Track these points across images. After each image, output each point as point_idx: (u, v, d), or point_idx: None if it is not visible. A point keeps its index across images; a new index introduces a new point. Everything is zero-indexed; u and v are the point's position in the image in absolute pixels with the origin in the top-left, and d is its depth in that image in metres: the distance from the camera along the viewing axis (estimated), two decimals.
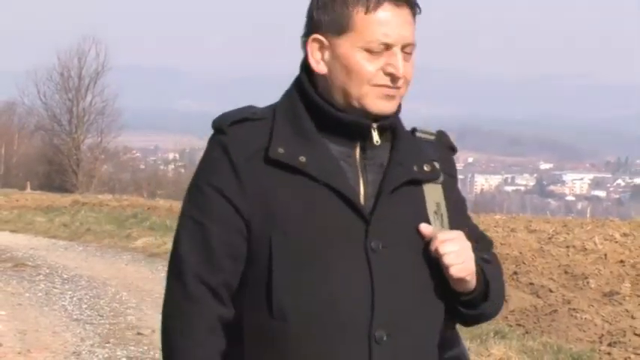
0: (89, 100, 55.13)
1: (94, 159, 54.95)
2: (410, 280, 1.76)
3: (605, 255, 12.74)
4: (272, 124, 1.77)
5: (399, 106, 1.81)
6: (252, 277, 1.76)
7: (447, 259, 1.71)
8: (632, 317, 9.59)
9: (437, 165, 1.84)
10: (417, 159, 1.81)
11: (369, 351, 1.70)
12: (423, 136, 1.88)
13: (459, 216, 1.89)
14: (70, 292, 12.29)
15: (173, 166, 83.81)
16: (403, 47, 1.75)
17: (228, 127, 1.76)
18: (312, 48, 1.78)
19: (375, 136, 1.77)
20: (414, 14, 1.76)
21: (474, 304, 1.82)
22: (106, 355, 8.50)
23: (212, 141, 1.81)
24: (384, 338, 1.71)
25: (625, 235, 14.93)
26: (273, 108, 1.83)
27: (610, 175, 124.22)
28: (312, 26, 1.79)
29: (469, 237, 1.80)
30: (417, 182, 1.81)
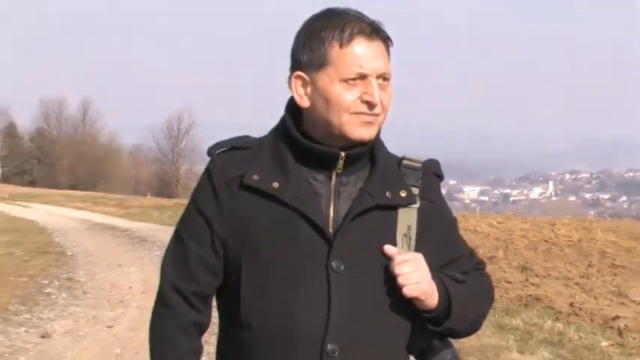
0: (184, 143, 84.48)
1: (188, 178, 76.65)
2: (368, 299, 1.81)
3: (488, 234, 19.52)
4: (255, 154, 1.86)
5: (378, 133, 1.85)
6: (226, 290, 1.88)
7: (400, 280, 1.77)
8: (504, 271, 13.89)
9: (414, 191, 1.88)
10: (392, 185, 1.86)
11: None
12: (409, 163, 1.93)
13: (445, 234, 1.95)
14: None
15: None
16: (378, 77, 1.80)
17: (216, 155, 1.88)
18: (296, 84, 1.84)
19: (340, 165, 1.82)
20: (387, 46, 1.82)
21: (438, 321, 1.86)
22: None
23: (207, 166, 1.93)
24: (336, 353, 1.78)
25: (499, 222, 23.62)
26: (262, 139, 1.92)
27: (489, 188, 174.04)
28: (295, 65, 1.85)
29: (445, 256, 1.92)
30: (392, 207, 1.85)
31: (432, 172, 1.95)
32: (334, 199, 1.85)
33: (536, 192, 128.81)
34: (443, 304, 1.85)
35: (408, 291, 1.78)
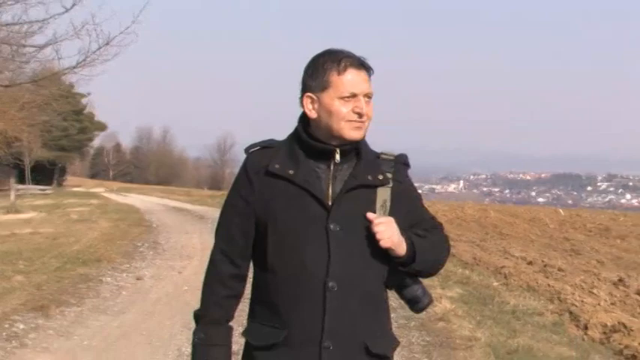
0: (227, 155, 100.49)
1: (230, 178, 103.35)
2: (356, 250, 2.28)
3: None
4: (276, 151, 2.32)
5: (364, 134, 2.31)
6: (257, 247, 2.35)
7: (377, 235, 2.24)
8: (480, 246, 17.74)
9: (388, 175, 2.33)
10: (372, 171, 2.32)
11: (324, 295, 2.24)
12: (385, 157, 2.39)
13: (411, 205, 2.41)
14: None
15: None
16: (364, 96, 2.28)
17: (249, 152, 2.37)
18: (307, 102, 2.30)
19: (337, 157, 2.29)
20: (369, 75, 2.30)
21: (406, 264, 2.33)
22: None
23: (244, 160, 2.39)
24: (335, 288, 2.24)
25: (428, 206, 35.15)
26: (282, 141, 2.38)
27: (422, 184, 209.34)
28: (305, 88, 2.31)
29: (411, 220, 2.36)
30: (372, 186, 2.31)
31: (401, 162, 2.42)
32: (332, 181, 2.30)
33: (452, 187, 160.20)
34: (409, 252, 2.32)
35: (383, 243, 2.25)
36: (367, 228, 2.30)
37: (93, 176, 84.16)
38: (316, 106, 2.31)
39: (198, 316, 2.41)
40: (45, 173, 49.66)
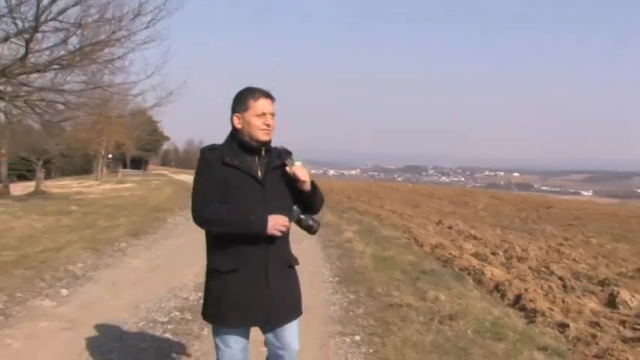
0: None
1: None
2: (278, 204, 3.08)
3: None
4: (223, 150, 3.08)
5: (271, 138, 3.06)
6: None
7: (302, 176, 3.08)
8: (354, 201, 24.98)
9: (283, 160, 3.13)
10: (278, 158, 3.12)
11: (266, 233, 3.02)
12: (279, 149, 3.18)
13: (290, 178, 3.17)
14: None
15: None
16: (270, 114, 3.06)
17: (206, 151, 3.11)
18: (236, 119, 3.08)
19: (263, 152, 3.11)
20: (273, 101, 3.10)
21: (311, 195, 3.18)
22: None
23: (200, 157, 3.12)
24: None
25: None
26: (222, 144, 3.12)
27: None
28: (235, 110, 3.10)
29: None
30: (280, 166, 3.12)
31: (287, 151, 3.21)
32: (260, 166, 3.08)
33: (352, 172, 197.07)
34: (313, 187, 3.18)
35: (304, 177, 3.06)
36: (283, 190, 3.14)
37: (162, 165, 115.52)
38: (241, 120, 3.09)
39: (235, 220, 3.05)
40: (137, 163, 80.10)
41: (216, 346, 3.29)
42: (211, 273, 3.17)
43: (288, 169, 3.14)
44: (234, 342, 3.23)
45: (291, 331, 3.27)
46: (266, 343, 3.36)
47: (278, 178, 3.16)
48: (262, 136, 3.11)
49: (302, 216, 3.29)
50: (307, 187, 3.17)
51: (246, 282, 3.08)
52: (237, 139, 3.13)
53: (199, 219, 3.06)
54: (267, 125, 3.10)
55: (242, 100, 3.12)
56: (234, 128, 3.16)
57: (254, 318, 3.16)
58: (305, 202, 3.26)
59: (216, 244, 3.13)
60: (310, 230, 3.33)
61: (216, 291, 3.15)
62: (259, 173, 3.12)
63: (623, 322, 7.53)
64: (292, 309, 3.27)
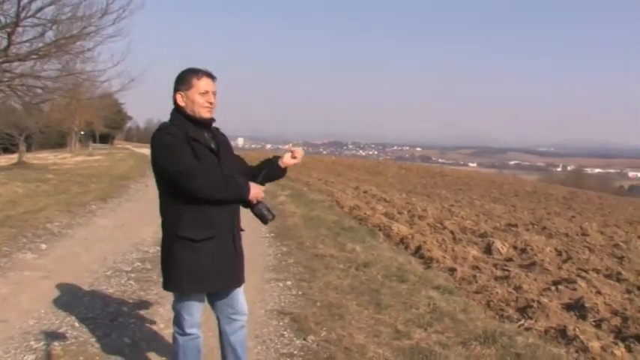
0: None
1: None
2: (231, 171, 2.77)
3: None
4: (185, 125, 2.69)
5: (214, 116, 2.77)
6: None
7: (299, 157, 2.99)
8: (319, 178, 22.38)
9: (224, 137, 2.89)
10: (222, 134, 2.88)
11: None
12: (218, 127, 2.88)
13: (230, 148, 2.91)
14: None
15: None
16: (212, 93, 2.74)
17: (166, 129, 2.68)
18: (179, 96, 2.72)
19: (213, 128, 2.82)
20: (214, 81, 2.76)
21: (284, 171, 3.01)
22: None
23: (163, 135, 2.64)
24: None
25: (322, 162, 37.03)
26: (171, 120, 2.73)
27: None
28: (177, 88, 2.73)
29: (232, 154, 2.89)
30: (223, 141, 2.86)
31: (219, 131, 2.90)
32: (213, 139, 2.80)
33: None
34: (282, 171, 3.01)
35: (300, 158, 3.01)
36: (234, 164, 2.88)
37: (126, 140, 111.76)
38: (185, 98, 2.75)
39: (232, 187, 2.72)
40: (105, 139, 77.53)
41: (180, 317, 2.88)
42: (183, 242, 2.67)
43: (284, 159, 2.95)
44: (196, 310, 2.87)
45: (242, 295, 2.99)
46: (217, 312, 2.98)
47: (226, 153, 2.85)
48: (205, 113, 2.74)
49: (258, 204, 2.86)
50: (295, 164, 3.03)
51: (221, 248, 2.75)
52: (187, 116, 2.73)
53: (205, 184, 2.61)
54: (210, 103, 2.74)
55: (186, 79, 2.73)
56: (177, 106, 2.75)
57: (229, 282, 2.85)
58: (276, 176, 2.99)
59: (187, 212, 2.67)
60: (262, 219, 2.86)
61: (189, 260, 2.69)
62: (212, 144, 2.80)
63: (495, 265, 7.95)
64: (243, 271, 2.97)
